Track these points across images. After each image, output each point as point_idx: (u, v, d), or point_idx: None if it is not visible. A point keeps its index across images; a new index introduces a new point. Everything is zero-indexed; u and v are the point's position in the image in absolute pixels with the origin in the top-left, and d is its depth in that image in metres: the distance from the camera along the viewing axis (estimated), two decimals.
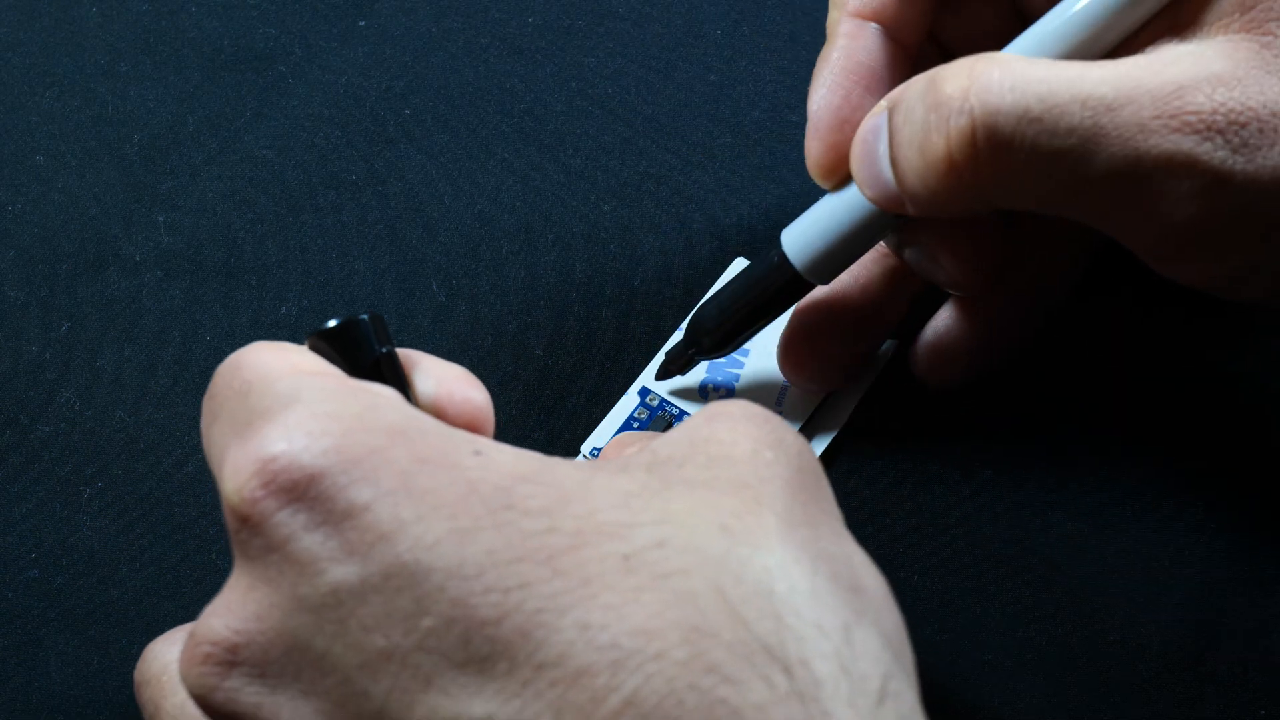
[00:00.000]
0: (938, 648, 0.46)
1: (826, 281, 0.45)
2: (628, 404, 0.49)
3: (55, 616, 0.47)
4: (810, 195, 0.53)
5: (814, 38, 0.55)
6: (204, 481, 0.49)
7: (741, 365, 0.49)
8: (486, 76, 0.55)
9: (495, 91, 0.55)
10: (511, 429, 0.49)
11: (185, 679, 0.33)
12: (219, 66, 0.56)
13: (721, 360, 0.49)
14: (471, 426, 0.36)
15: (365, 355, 0.37)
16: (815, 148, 0.44)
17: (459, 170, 0.54)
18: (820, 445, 0.49)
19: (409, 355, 0.38)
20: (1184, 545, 0.47)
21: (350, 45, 0.56)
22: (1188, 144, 0.37)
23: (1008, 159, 0.38)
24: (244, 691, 0.32)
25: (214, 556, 0.48)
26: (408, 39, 0.56)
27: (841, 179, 0.44)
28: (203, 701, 0.33)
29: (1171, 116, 0.37)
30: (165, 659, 0.38)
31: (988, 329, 0.47)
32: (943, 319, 0.47)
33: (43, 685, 0.46)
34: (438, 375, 0.38)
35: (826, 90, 0.44)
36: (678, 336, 0.50)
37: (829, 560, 0.32)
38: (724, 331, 0.46)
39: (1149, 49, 0.39)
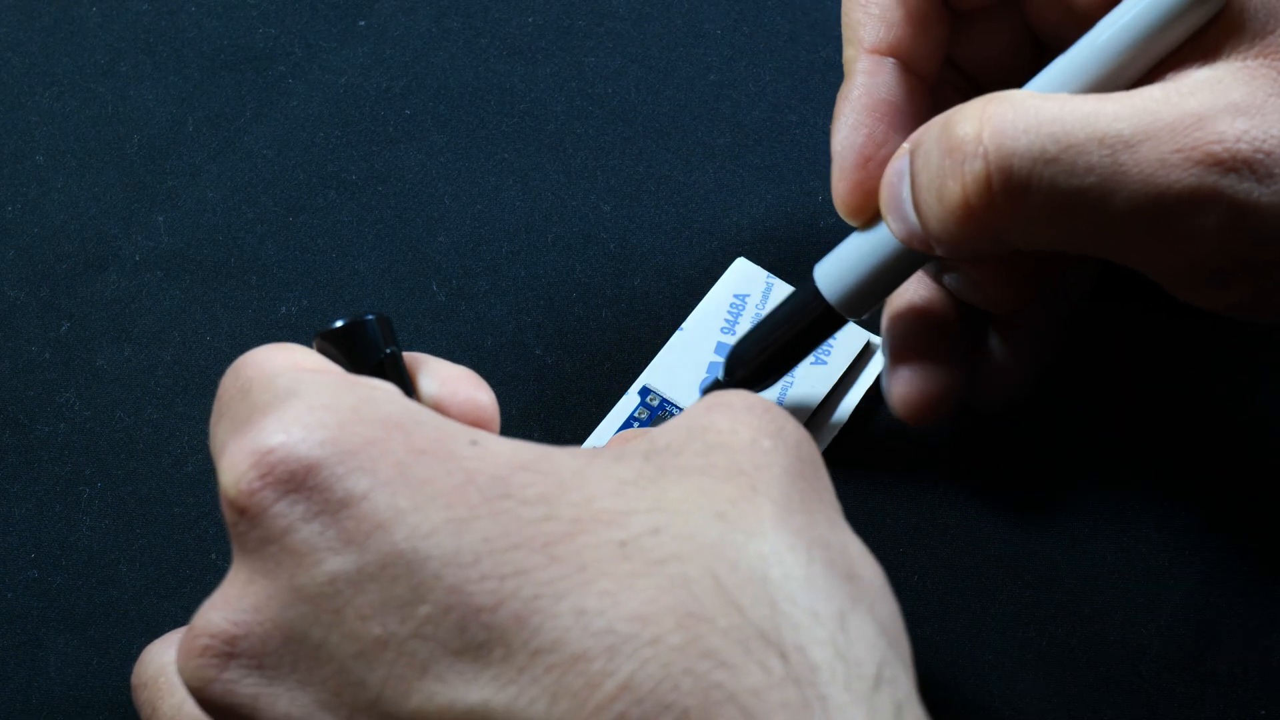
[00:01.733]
0: (938, 648, 0.46)
1: (860, 316, 0.45)
2: (628, 404, 0.49)
3: (55, 616, 0.47)
4: (806, 196, 0.53)
5: (814, 38, 0.55)
6: (204, 481, 0.49)
7: None
8: (486, 76, 0.55)
9: (495, 91, 0.55)
10: (511, 429, 0.49)
11: (183, 671, 0.33)
12: (219, 66, 0.56)
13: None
14: (475, 426, 0.36)
15: (370, 356, 0.37)
16: (842, 187, 0.43)
17: (459, 170, 0.54)
18: (820, 445, 0.49)
19: (415, 357, 0.38)
20: (1184, 545, 0.47)
21: (350, 45, 0.56)
22: (1211, 177, 0.36)
23: (1025, 201, 0.38)
24: (242, 683, 0.32)
25: (214, 556, 0.48)
26: (408, 39, 0.56)
27: (870, 216, 0.43)
28: (200, 694, 0.33)
29: (1193, 149, 0.36)
30: (162, 661, 0.38)
31: (1021, 351, 0.47)
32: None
33: (43, 685, 0.46)
34: (442, 375, 0.38)
35: (849, 129, 0.44)
36: (685, 355, 0.50)
37: (824, 547, 0.32)
38: (759, 365, 0.46)
39: (1167, 77, 0.39)
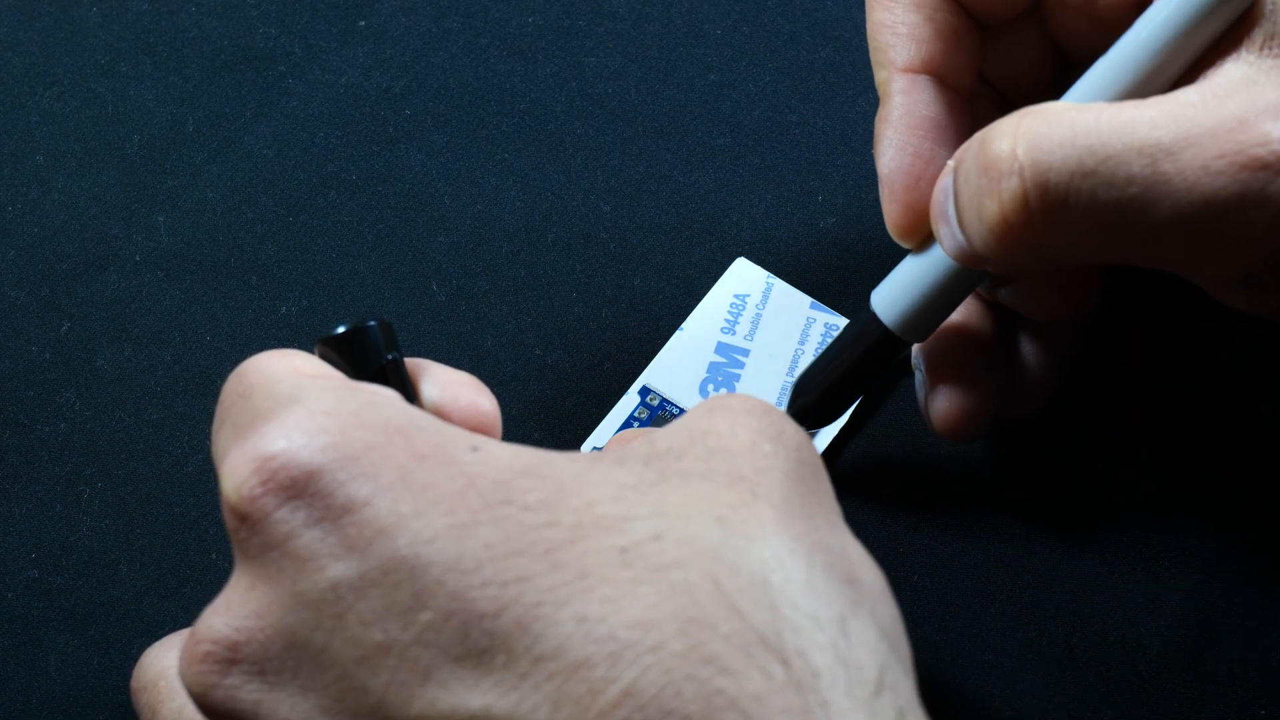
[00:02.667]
0: (938, 648, 0.46)
1: (923, 339, 0.44)
2: (628, 404, 0.49)
3: (55, 616, 0.47)
4: (806, 196, 0.53)
5: (814, 38, 0.55)
6: (204, 481, 0.49)
7: (742, 365, 0.50)
8: (486, 76, 0.55)
9: (495, 91, 0.55)
10: (512, 429, 0.49)
11: (185, 677, 0.33)
12: (219, 66, 0.56)
13: (721, 360, 0.49)
14: (477, 431, 0.36)
15: (372, 361, 0.37)
16: (894, 210, 0.43)
17: (459, 170, 0.54)
18: (820, 445, 0.49)
19: (417, 363, 0.38)
20: (1184, 545, 0.47)
21: (350, 45, 0.56)
22: (1257, 181, 0.36)
23: (1064, 216, 0.37)
24: (243, 689, 0.32)
25: (214, 556, 0.48)
26: (408, 39, 0.56)
27: (924, 237, 0.43)
28: (202, 700, 0.33)
29: (1236, 154, 0.36)
30: (162, 664, 0.38)
31: (1055, 357, 0.47)
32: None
33: (43, 685, 0.46)
34: (444, 381, 0.38)
35: (895, 150, 0.43)
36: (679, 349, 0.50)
37: (825, 552, 0.32)
38: (820, 394, 0.46)
39: (1200, 79, 0.38)
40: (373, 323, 0.37)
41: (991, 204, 0.38)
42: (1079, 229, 0.37)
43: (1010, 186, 0.37)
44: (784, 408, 0.49)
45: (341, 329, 0.37)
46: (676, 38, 0.56)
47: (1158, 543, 0.47)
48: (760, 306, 0.50)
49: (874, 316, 0.44)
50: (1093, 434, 0.49)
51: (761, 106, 0.54)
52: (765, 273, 0.51)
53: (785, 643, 0.30)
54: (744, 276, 0.51)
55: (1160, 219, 0.37)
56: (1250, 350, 0.49)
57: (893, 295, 0.44)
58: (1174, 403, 0.49)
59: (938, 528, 0.48)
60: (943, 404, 0.45)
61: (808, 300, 0.50)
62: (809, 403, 0.46)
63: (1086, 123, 0.37)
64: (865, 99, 0.54)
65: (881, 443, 0.49)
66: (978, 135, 0.39)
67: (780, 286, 0.51)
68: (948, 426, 0.45)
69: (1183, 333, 0.50)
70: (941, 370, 0.46)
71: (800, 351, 0.50)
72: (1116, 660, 0.46)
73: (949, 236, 0.41)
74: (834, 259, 0.52)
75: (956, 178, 0.40)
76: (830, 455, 0.49)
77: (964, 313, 0.46)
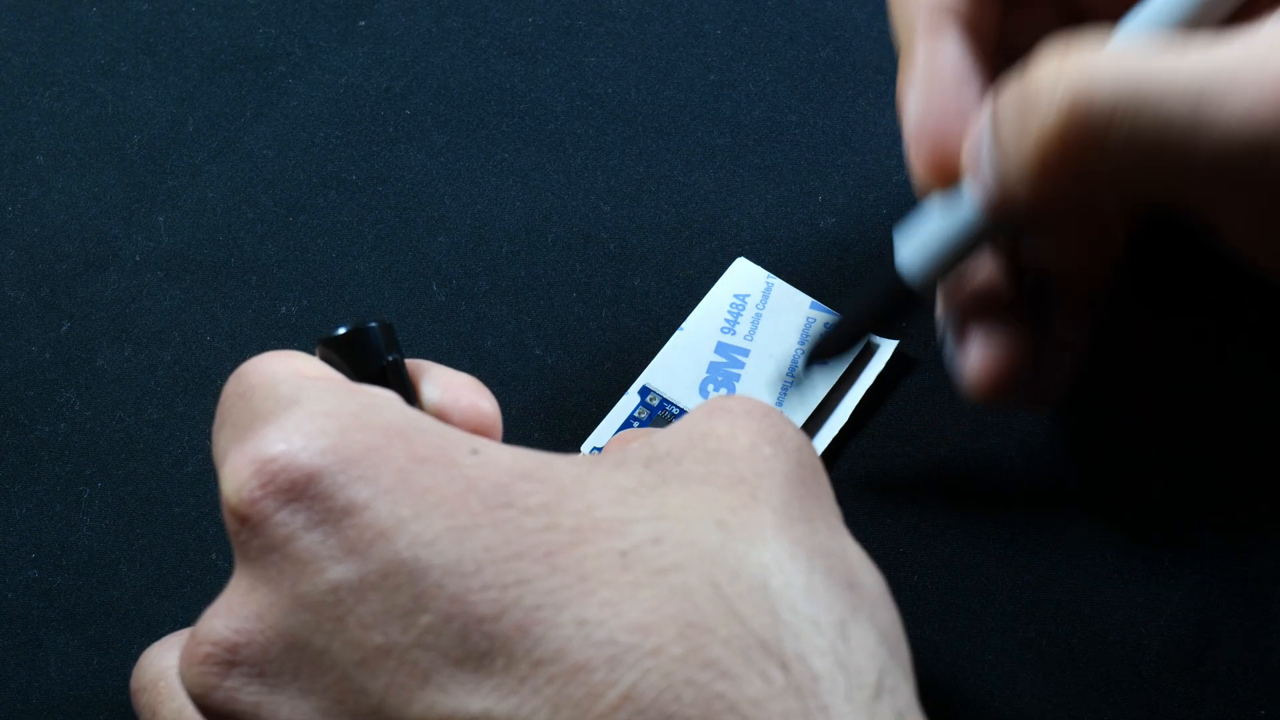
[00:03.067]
0: (938, 648, 0.46)
1: (932, 290, 0.44)
2: (628, 403, 0.49)
3: (55, 616, 0.47)
4: (806, 196, 0.53)
5: (814, 38, 0.55)
6: (204, 481, 0.49)
7: (742, 365, 0.50)
8: (486, 76, 0.55)
9: (495, 91, 0.55)
10: (512, 429, 0.49)
11: (184, 678, 0.33)
12: (219, 66, 0.56)
13: (722, 360, 0.49)
14: (478, 433, 0.36)
15: (372, 362, 0.37)
16: (922, 158, 0.42)
17: (459, 170, 0.54)
18: (820, 445, 0.49)
19: (418, 364, 0.38)
20: (1184, 545, 0.47)
21: (350, 45, 0.56)
22: None
23: (1103, 148, 0.37)
24: (243, 691, 0.32)
25: (214, 556, 0.48)
26: (408, 39, 0.56)
27: (953, 181, 0.42)
28: (202, 701, 0.33)
29: None
30: (161, 665, 0.38)
31: (1083, 328, 0.46)
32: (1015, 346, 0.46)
33: (43, 685, 0.46)
34: (444, 383, 0.38)
35: (922, 96, 0.43)
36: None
37: (825, 556, 0.32)
38: (835, 340, 0.46)
39: (1250, 26, 0.37)
40: (373, 324, 0.37)
41: (1030, 134, 0.37)
42: (1117, 163, 0.37)
43: (1050, 115, 0.37)
44: (784, 407, 0.49)
45: (342, 330, 0.37)
46: (676, 38, 0.56)
47: (1158, 543, 0.47)
48: (760, 306, 0.50)
49: (904, 279, 0.43)
50: (1092, 434, 0.48)
51: (761, 106, 0.54)
52: (765, 272, 0.51)
53: (785, 647, 0.30)
54: (744, 276, 0.51)
55: (1199, 159, 0.36)
56: (1251, 350, 0.49)
57: (917, 244, 0.43)
58: (1174, 402, 0.49)
59: (938, 528, 0.48)
60: (973, 362, 0.45)
61: (808, 300, 0.50)
62: (823, 352, 0.46)
63: (1131, 60, 0.37)
64: (865, 99, 0.54)
65: (881, 443, 0.49)
66: (1016, 75, 0.39)
67: (780, 286, 0.51)
68: (980, 383, 0.44)
69: (1183, 332, 0.50)
70: (968, 327, 0.45)
71: (800, 351, 0.50)
72: (1116, 660, 0.46)
73: (980, 181, 0.40)
74: (834, 259, 0.52)
75: (995, 114, 0.39)
76: (830, 455, 0.49)
77: (988, 273, 0.46)
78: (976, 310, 0.45)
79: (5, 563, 0.48)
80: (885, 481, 0.48)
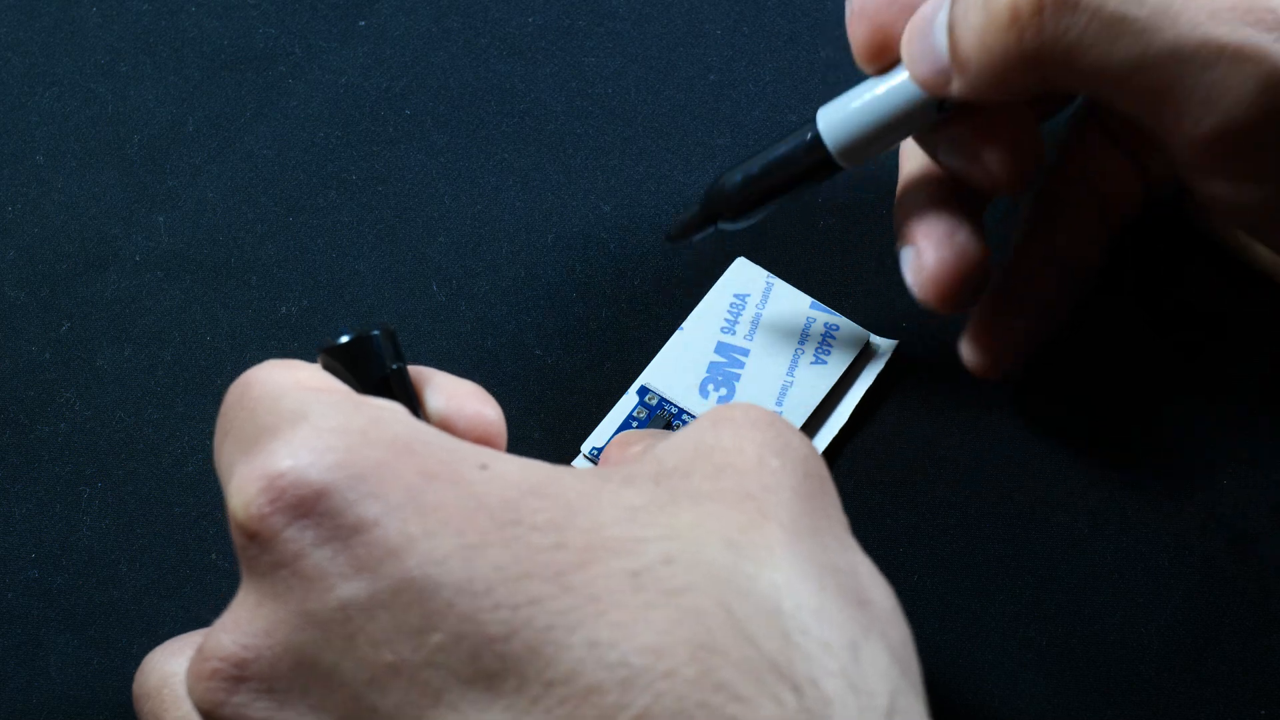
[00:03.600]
0: (938, 648, 0.46)
1: (857, 164, 0.44)
2: (628, 403, 0.49)
3: (55, 616, 0.47)
4: (790, 203, 0.53)
5: (814, 38, 0.55)
6: (204, 481, 0.49)
7: (742, 365, 0.49)
8: (486, 76, 0.55)
9: (495, 91, 0.55)
10: (512, 429, 0.49)
11: (192, 694, 0.33)
12: (219, 66, 0.56)
13: (721, 360, 0.49)
14: (483, 442, 0.36)
15: (375, 371, 0.37)
16: (861, 29, 0.43)
17: (459, 170, 0.54)
18: (820, 445, 0.49)
19: (421, 372, 0.38)
20: (1184, 545, 0.47)
21: (350, 45, 0.56)
22: (1259, 38, 0.37)
23: (1072, 18, 0.38)
24: (252, 707, 0.32)
25: (214, 556, 0.48)
26: (408, 39, 0.56)
27: (886, 63, 0.43)
28: (210, 717, 0.33)
29: (1247, 11, 0.37)
30: (165, 670, 0.38)
31: (1031, 306, 0.47)
32: (986, 305, 0.47)
33: (43, 685, 0.46)
34: (449, 391, 0.38)
35: None
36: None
37: (835, 573, 0.32)
38: (743, 200, 0.46)
39: None
40: (376, 331, 0.37)
41: None
42: (1080, 39, 0.38)
43: None
44: (784, 407, 0.49)
45: (345, 338, 0.37)
46: (676, 38, 0.56)
47: (1158, 543, 0.47)
48: (760, 306, 0.50)
49: (818, 136, 0.44)
50: (1092, 433, 0.48)
51: (761, 106, 0.54)
52: (765, 272, 0.51)
53: (797, 670, 0.30)
54: (744, 276, 0.51)
55: (1158, 50, 0.37)
56: (1250, 349, 0.49)
57: (842, 117, 0.44)
58: (1174, 402, 0.49)
59: (938, 528, 0.48)
60: (922, 259, 0.45)
61: (808, 300, 0.50)
62: (731, 212, 0.46)
63: None
64: None
65: (881, 443, 0.49)
66: None
67: (780, 286, 0.51)
68: (931, 286, 0.44)
69: (1182, 332, 0.50)
70: (914, 224, 0.45)
71: (800, 351, 0.50)
72: (1116, 660, 0.46)
73: (925, 53, 0.41)
74: (834, 259, 0.52)
75: None
76: (830, 455, 0.49)
77: (931, 170, 0.46)
78: (921, 201, 0.45)
79: (5, 563, 0.48)
80: (885, 481, 0.48)
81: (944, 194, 0.45)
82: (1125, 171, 0.47)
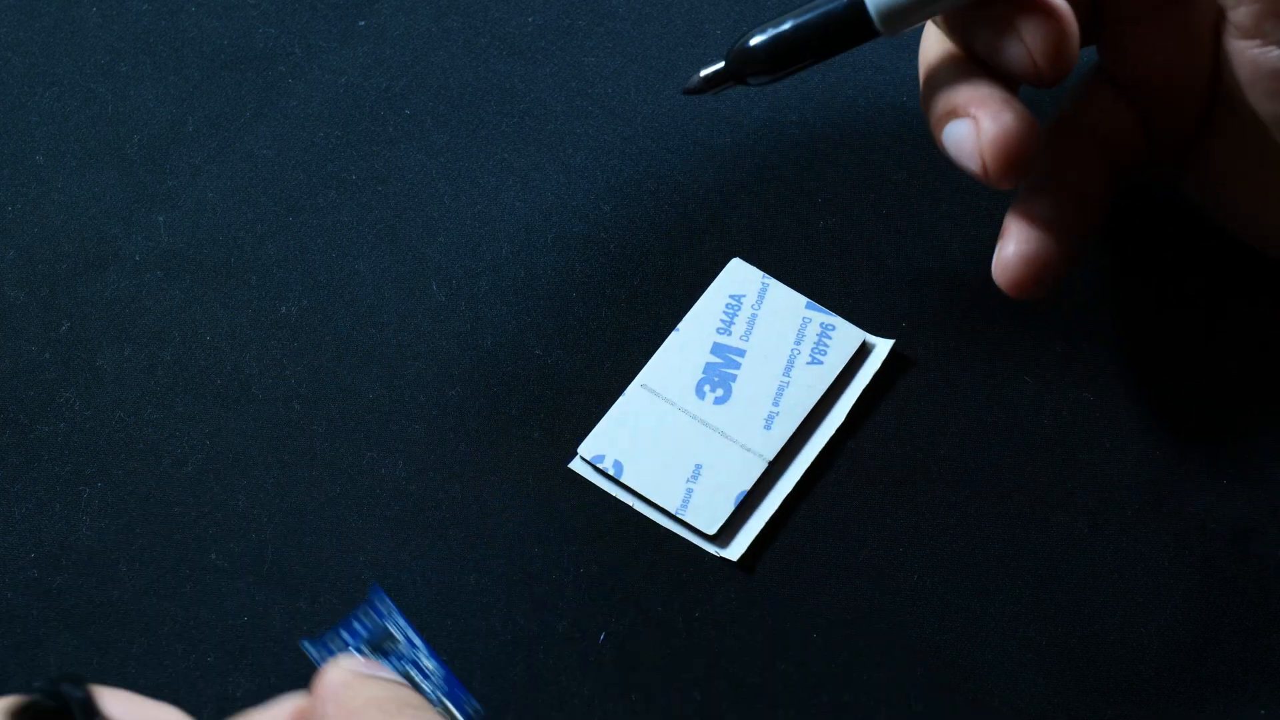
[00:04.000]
0: (938, 648, 0.46)
1: (894, 33, 0.43)
2: (627, 403, 0.49)
3: (55, 616, 0.47)
4: (806, 196, 0.53)
5: None
6: (204, 481, 0.49)
7: (738, 366, 0.49)
8: (486, 76, 0.55)
9: (495, 91, 0.55)
10: (512, 429, 0.49)
11: None
12: (219, 66, 0.56)
13: (718, 361, 0.49)
14: None
15: None
16: None
17: (459, 170, 0.54)
18: (818, 445, 0.49)
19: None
20: (1184, 545, 0.47)
21: (350, 45, 0.56)
22: None
23: None
24: None
25: (214, 556, 0.48)
26: (408, 39, 0.56)
27: None
28: None
29: None
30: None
31: (1055, 231, 0.45)
32: (1014, 232, 0.46)
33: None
34: None
35: None
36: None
37: None
38: (774, 56, 0.45)
39: None
40: (80, 694, 0.37)
41: None
42: None
43: None
44: (780, 407, 0.49)
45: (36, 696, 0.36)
46: (676, 38, 0.56)
47: (1158, 543, 0.47)
48: (756, 307, 0.50)
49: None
50: (1091, 433, 0.48)
51: (761, 106, 0.54)
52: (760, 273, 0.51)
53: None
54: (739, 277, 0.51)
55: None
56: (1252, 342, 0.49)
57: None
58: (1173, 402, 0.49)
59: (938, 528, 0.47)
60: (983, 128, 0.44)
61: (803, 300, 0.50)
62: (759, 68, 0.45)
63: None
64: (865, 99, 0.54)
65: (879, 443, 0.49)
66: None
67: (776, 287, 0.51)
68: (995, 151, 0.44)
69: (1181, 330, 0.50)
70: (959, 101, 0.44)
71: (796, 352, 0.50)
72: (1116, 660, 0.46)
73: None
74: (833, 259, 0.52)
75: None
76: (827, 455, 0.49)
77: (949, 50, 0.45)
78: (964, 87, 0.44)
79: (5, 563, 0.48)
80: (885, 481, 0.48)
81: (983, 73, 0.44)
82: (1133, 125, 0.47)
